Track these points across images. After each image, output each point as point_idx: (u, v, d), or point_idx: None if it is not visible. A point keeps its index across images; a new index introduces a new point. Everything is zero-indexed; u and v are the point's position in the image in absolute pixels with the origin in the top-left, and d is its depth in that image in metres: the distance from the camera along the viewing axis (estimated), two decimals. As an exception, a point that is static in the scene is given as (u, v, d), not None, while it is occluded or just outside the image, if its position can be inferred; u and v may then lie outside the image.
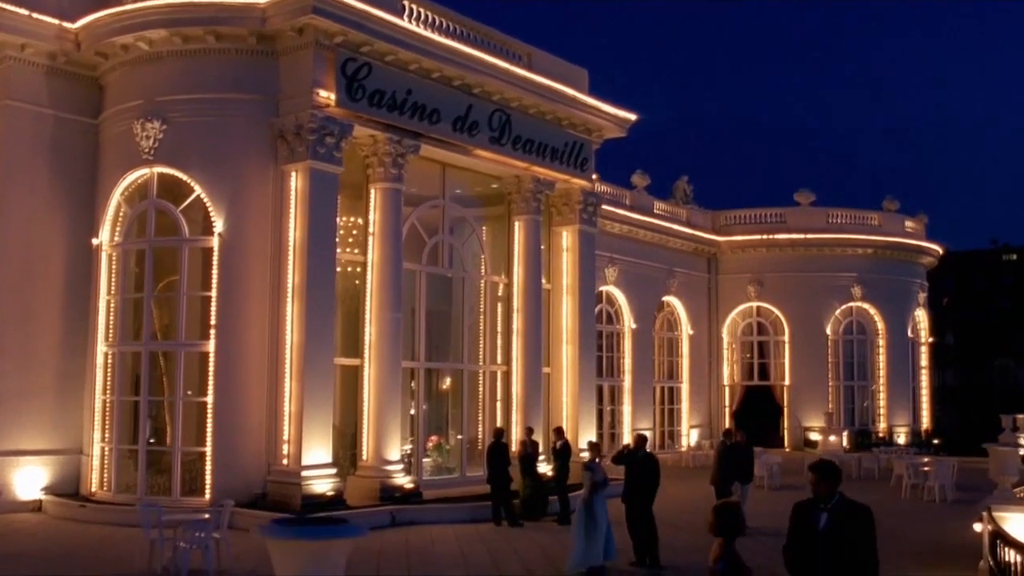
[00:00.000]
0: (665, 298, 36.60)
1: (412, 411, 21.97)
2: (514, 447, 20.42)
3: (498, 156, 22.36)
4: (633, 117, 25.15)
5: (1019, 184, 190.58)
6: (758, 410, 37.66)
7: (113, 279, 19.75)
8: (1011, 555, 10.33)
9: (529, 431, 20.45)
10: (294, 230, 18.63)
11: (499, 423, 22.06)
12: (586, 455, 16.28)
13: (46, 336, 19.85)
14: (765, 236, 38.24)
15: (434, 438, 23.65)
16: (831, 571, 7.24)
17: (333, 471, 18.45)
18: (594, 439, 20.24)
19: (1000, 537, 10.66)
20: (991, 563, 11.73)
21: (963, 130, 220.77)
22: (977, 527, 13.02)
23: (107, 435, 19.45)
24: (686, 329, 37.57)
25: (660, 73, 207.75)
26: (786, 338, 38.26)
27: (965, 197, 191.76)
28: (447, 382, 24.19)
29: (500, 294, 23.82)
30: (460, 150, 21.64)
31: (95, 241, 19.91)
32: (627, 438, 28.30)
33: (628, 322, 34.26)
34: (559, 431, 20.11)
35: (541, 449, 21.56)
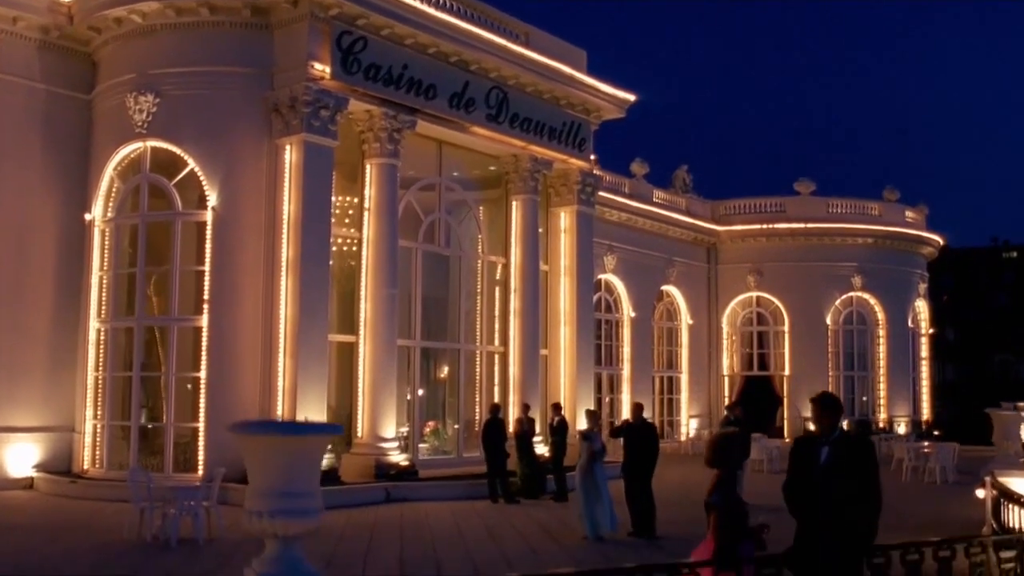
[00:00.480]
0: (664, 287, 36.36)
1: (408, 396, 21.77)
2: (511, 426, 20.19)
3: (495, 134, 22.17)
4: (632, 98, 24.95)
5: (1019, 182, 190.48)
6: (758, 400, 37.36)
7: (106, 255, 19.56)
8: (1017, 514, 10.10)
9: (526, 408, 20.24)
10: (288, 204, 18.43)
11: (496, 400, 21.82)
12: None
13: (38, 313, 19.65)
14: (765, 225, 37.96)
15: (431, 423, 23.48)
16: (833, 504, 7.04)
17: (327, 447, 18.23)
18: (592, 408, 19.87)
19: (1005, 495, 10.43)
20: (994, 526, 11.53)
21: (963, 128, 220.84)
22: (980, 493, 12.81)
23: (99, 412, 19.24)
24: (685, 319, 37.33)
25: (659, 62, 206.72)
26: (786, 328, 38.00)
27: (965, 195, 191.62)
28: (444, 371, 23.99)
29: (498, 277, 23.62)
30: (457, 127, 21.44)
31: (88, 216, 19.72)
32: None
33: (627, 310, 34.01)
34: (557, 407, 19.88)
35: (538, 427, 21.33)
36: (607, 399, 32.54)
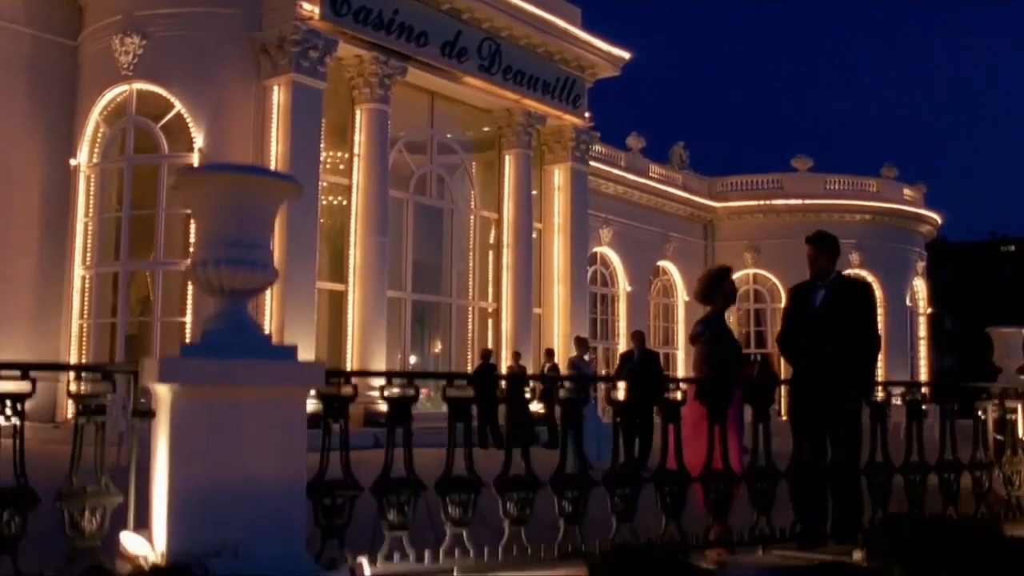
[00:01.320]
0: (660, 263, 36.00)
1: (400, 356, 21.42)
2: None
3: (488, 85, 21.84)
4: (627, 55, 24.64)
5: (1018, 176, 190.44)
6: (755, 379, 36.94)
7: (91, 200, 19.24)
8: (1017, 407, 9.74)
9: (517, 356, 19.87)
10: (276, 144, 18.16)
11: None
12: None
13: (22, 260, 19.29)
14: (762, 202, 37.62)
15: (425, 390, 23.14)
16: (829, 347, 6.73)
17: (312, 392, 17.88)
18: (583, 335, 19.33)
19: (1004, 395, 10.06)
20: (998, 437, 11.17)
21: (962, 122, 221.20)
22: (981, 413, 12.44)
23: (83, 359, 18.88)
24: (682, 295, 36.96)
25: (657, 35, 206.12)
26: (783, 306, 37.53)
27: (963, 189, 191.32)
28: (438, 346, 23.63)
29: (492, 241, 23.26)
30: (449, 76, 21.13)
31: (73, 162, 19.39)
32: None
33: (623, 285, 33.65)
34: (550, 353, 19.53)
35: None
36: (603, 373, 32.13)
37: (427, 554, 5.14)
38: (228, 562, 3.48)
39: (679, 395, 6.02)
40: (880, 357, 29.88)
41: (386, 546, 5.11)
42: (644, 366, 13.92)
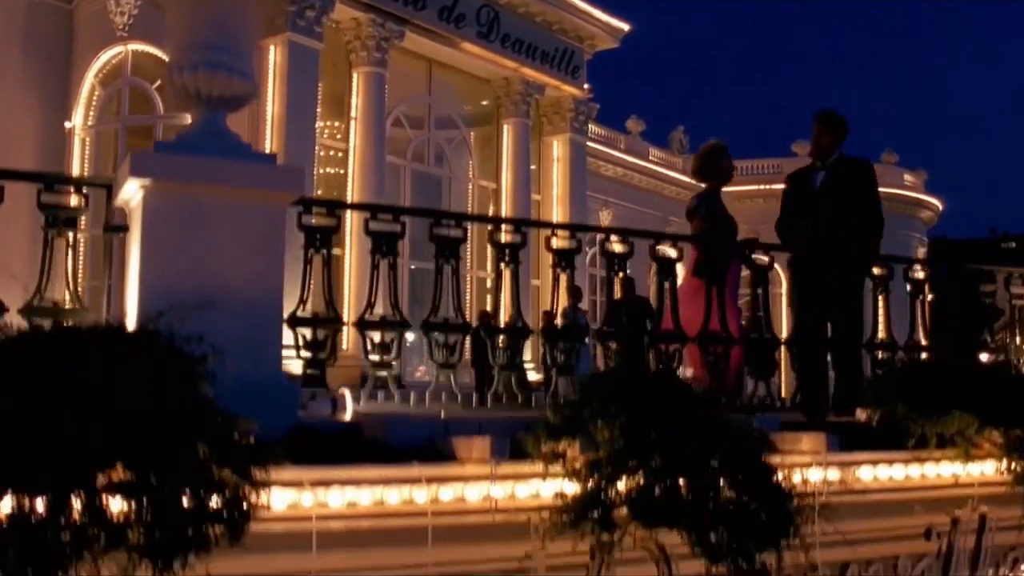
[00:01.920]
0: (660, 246, 35.80)
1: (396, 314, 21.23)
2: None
3: (486, 52, 21.70)
4: (626, 27, 24.53)
5: (1018, 172, 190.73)
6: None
7: (86, 163, 19.12)
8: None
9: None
10: (272, 105, 18.00)
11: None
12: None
13: (17, 227, 19.00)
14: (762, 187, 37.42)
15: (422, 368, 22.97)
16: (830, 228, 6.57)
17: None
18: (576, 284, 19.10)
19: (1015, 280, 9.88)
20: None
21: (963, 121, 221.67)
22: (983, 356, 12.27)
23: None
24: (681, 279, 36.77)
25: (658, 19, 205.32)
26: (783, 291, 37.30)
27: (963, 186, 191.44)
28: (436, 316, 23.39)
29: (490, 213, 23.08)
30: (446, 42, 20.99)
31: (68, 125, 19.26)
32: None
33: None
34: (548, 316, 19.33)
35: (529, 354, 20.80)
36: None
37: (412, 395, 4.98)
38: (195, 325, 3.30)
39: (673, 252, 5.86)
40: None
41: (369, 385, 4.96)
42: (636, 314, 13.77)
